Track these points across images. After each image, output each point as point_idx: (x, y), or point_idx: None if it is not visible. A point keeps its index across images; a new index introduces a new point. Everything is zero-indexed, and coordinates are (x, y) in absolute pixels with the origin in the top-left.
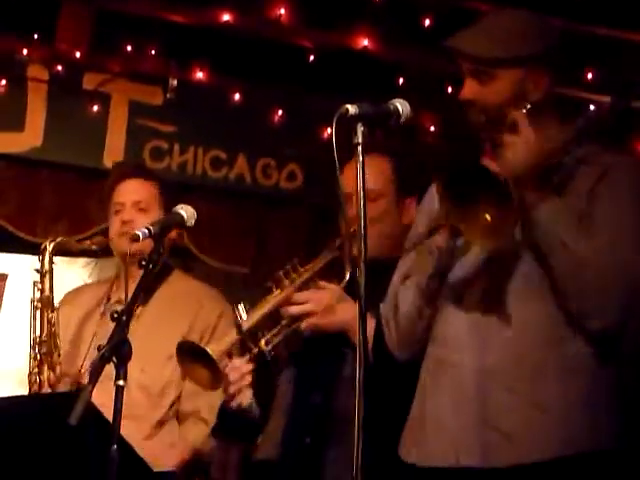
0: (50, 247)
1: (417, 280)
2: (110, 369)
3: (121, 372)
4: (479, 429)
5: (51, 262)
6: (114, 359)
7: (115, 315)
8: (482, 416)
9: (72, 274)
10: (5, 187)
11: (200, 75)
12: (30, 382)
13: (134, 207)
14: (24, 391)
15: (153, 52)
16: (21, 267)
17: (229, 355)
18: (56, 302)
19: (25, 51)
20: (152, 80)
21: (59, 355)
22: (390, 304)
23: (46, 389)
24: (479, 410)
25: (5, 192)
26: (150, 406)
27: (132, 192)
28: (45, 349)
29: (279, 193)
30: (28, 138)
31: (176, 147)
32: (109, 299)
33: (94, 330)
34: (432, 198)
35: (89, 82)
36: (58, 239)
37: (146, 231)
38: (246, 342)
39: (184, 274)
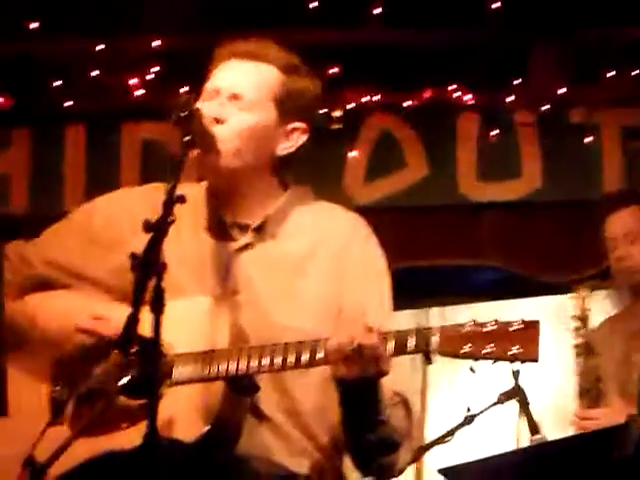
0: (583, 292)
1: None
2: None
3: None
4: None
5: (585, 307)
6: None
7: None
8: None
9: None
10: (510, 234)
11: None
12: (579, 426)
13: (627, 240)
14: (566, 430)
15: (634, 73)
16: (544, 309)
17: None
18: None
19: (509, 99)
20: (637, 101)
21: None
22: None
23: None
24: None
25: (511, 239)
26: None
27: (622, 224)
28: (591, 395)
29: None
30: (527, 183)
31: None
32: None
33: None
34: None
35: (576, 116)
36: (588, 285)
37: None
38: None
39: None
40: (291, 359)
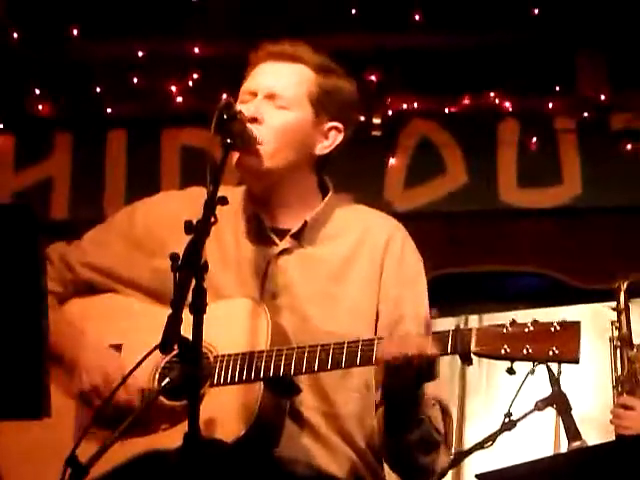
0: (624, 285)
1: None
2: None
3: None
4: None
5: (627, 300)
6: None
7: None
8: None
9: None
10: (550, 240)
11: None
12: (614, 414)
13: None
14: (605, 437)
15: None
16: (585, 317)
17: None
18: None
19: (550, 105)
20: None
21: None
22: None
23: None
24: None
25: (552, 246)
26: None
27: None
28: (627, 387)
29: None
30: (567, 189)
31: None
32: None
33: None
34: None
35: (617, 122)
36: (631, 277)
37: None
38: None
39: None
40: (330, 360)
